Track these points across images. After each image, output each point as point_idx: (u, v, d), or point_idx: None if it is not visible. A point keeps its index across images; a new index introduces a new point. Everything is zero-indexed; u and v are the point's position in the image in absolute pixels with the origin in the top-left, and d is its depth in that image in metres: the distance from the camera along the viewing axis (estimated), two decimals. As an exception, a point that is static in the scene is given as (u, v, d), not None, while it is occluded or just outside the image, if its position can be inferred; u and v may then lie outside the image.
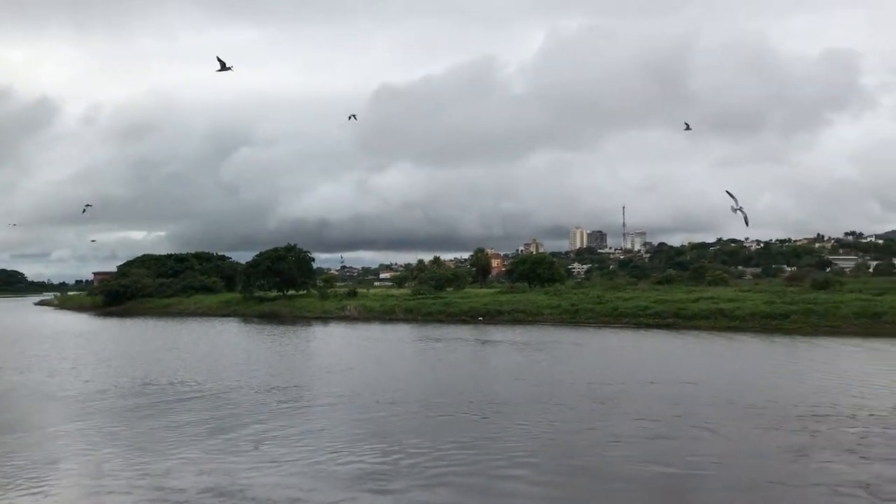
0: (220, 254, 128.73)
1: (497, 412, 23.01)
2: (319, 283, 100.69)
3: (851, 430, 19.78)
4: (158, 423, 22.18)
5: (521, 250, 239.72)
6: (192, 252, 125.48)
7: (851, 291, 66.38)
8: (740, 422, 21.09)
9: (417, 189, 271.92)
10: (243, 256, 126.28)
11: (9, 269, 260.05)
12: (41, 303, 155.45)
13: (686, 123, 51.91)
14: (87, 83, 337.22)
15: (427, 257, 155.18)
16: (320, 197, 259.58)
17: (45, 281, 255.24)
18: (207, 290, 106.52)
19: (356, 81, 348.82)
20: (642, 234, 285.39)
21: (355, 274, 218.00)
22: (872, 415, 21.78)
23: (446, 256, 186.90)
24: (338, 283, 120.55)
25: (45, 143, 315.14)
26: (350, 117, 67.54)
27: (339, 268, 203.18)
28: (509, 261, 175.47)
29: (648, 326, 57.44)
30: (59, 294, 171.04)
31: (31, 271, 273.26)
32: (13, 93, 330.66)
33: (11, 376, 34.05)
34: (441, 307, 73.61)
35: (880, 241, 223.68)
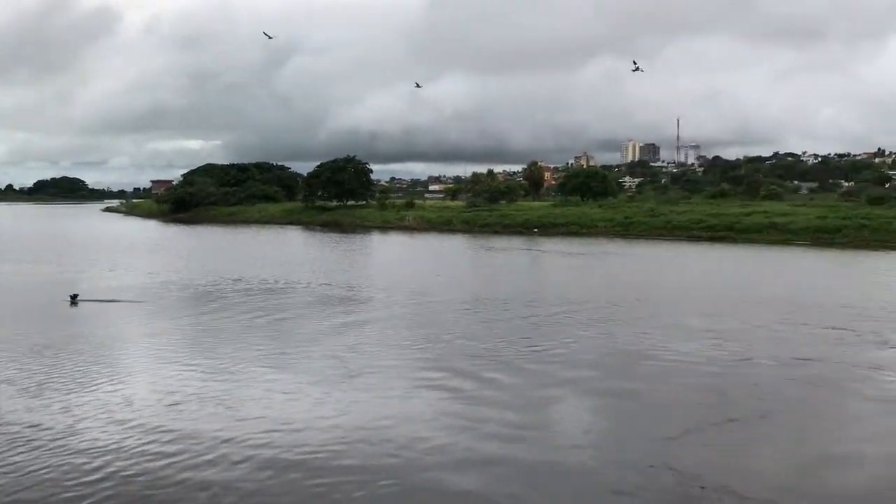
0: (279, 164, 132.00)
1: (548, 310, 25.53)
2: (377, 194, 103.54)
3: None
4: (251, 307, 25.37)
5: (572, 163, 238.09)
6: (252, 162, 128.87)
7: (907, 207, 66.89)
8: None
9: (471, 100, 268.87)
10: (298, 167, 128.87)
11: (70, 175, 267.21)
12: (108, 209, 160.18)
13: (634, 62, 47.98)
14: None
15: (478, 170, 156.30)
16: (371, 108, 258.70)
17: (105, 188, 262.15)
18: (269, 199, 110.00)
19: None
20: (696, 147, 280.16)
21: (405, 185, 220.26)
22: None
23: (497, 169, 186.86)
24: (391, 195, 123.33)
25: (105, 53, 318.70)
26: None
27: (388, 179, 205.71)
28: (560, 174, 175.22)
29: (701, 239, 59.04)
30: (124, 201, 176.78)
31: (91, 178, 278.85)
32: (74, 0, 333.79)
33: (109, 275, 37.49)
34: (497, 219, 75.93)
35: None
